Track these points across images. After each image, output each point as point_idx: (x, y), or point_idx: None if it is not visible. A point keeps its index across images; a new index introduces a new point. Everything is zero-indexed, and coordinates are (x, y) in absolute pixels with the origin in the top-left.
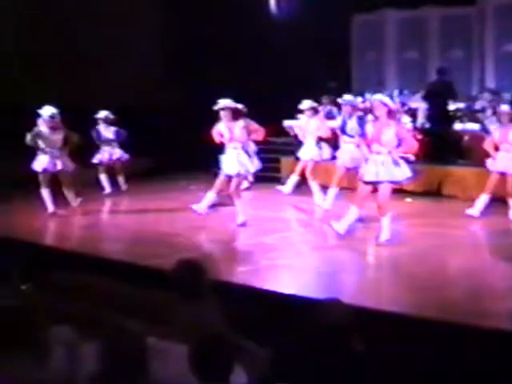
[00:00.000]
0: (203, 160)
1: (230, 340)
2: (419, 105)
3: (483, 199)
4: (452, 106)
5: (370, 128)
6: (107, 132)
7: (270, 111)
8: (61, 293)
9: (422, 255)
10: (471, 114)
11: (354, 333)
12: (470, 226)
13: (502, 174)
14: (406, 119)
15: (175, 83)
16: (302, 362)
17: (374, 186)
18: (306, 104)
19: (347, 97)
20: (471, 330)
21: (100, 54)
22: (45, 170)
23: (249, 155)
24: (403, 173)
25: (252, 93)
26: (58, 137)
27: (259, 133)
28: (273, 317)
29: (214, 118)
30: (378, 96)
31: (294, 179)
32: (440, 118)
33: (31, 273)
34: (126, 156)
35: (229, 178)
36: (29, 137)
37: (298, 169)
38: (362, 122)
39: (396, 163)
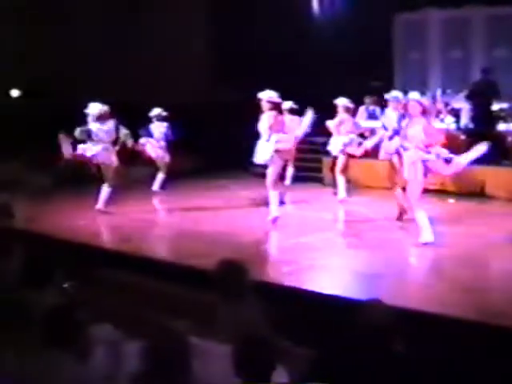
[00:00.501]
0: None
1: (271, 340)
2: (463, 105)
3: None
4: (495, 106)
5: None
6: (160, 129)
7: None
8: (105, 291)
9: (464, 256)
10: None
11: (394, 334)
12: None
13: None
14: (450, 119)
15: (226, 83)
16: (343, 363)
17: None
18: (341, 101)
19: (395, 93)
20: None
21: (152, 53)
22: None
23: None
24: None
25: (296, 91)
26: (109, 127)
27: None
28: (314, 317)
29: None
30: (415, 95)
31: (341, 180)
32: (484, 118)
33: (74, 271)
34: (167, 156)
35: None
36: (78, 131)
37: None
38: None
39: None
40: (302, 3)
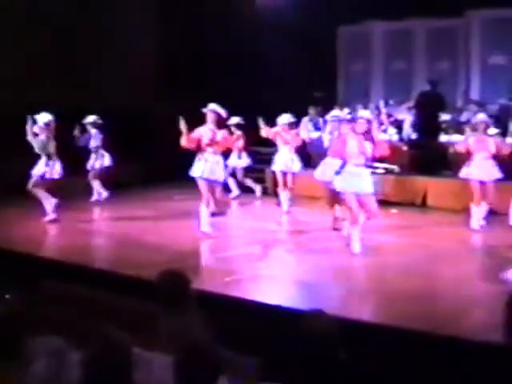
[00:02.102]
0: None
1: (214, 351)
2: (405, 116)
3: (476, 211)
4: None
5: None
6: (96, 137)
7: (255, 120)
8: (47, 302)
9: (408, 266)
10: (457, 126)
11: (337, 344)
12: (455, 237)
13: (482, 183)
14: (392, 131)
15: (169, 91)
16: (287, 373)
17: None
18: (282, 119)
19: (335, 112)
20: (455, 342)
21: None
22: (42, 176)
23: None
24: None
25: (239, 101)
26: (53, 143)
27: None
28: (257, 328)
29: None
30: (364, 113)
31: (283, 194)
32: (429, 129)
33: (17, 282)
34: (107, 163)
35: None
36: (30, 136)
37: (280, 181)
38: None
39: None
40: (247, 13)
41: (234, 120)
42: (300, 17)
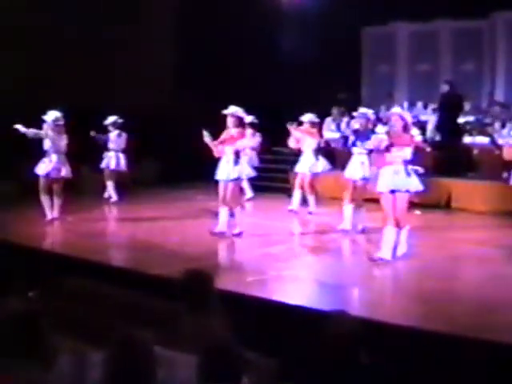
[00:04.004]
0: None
1: (236, 351)
2: (429, 117)
3: None
4: (461, 119)
5: (384, 139)
6: (116, 140)
7: (280, 121)
8: (70, 300)
9: (430, 268)
10: (481, 128)
11: (360, 345)
12: (479, 239)
13: None
14: (415, 132)
15: (185, 91)
16: (309, 373)
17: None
18: (306, 117)
19: (363, 109)
20: (479, 344)
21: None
22: (47, 175)
23: (236, 163)
24: (416, 184)
25: (262, 102)
26: (63, 142)
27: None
28: (280, 328)
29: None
30: (397, 109)
31: (297, 194)
32: (451, 130)
33: (38, 280)
34: (124, 164)
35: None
36: (31, 132)
37: (297, 182)
38: (371, 134)
39: (408, 174)
40: (271, 14)
41: (248, 119)
42: (324, 18)
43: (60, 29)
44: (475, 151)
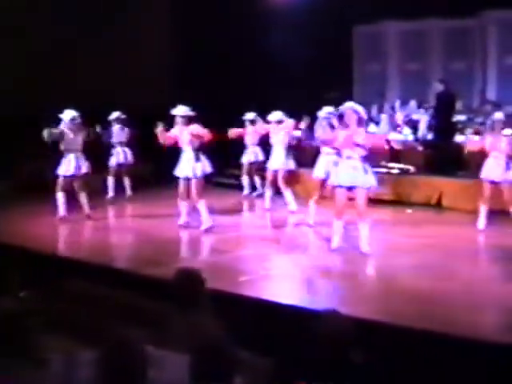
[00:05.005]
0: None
1: (228, 350)
2: (421, 116)
3: (482, 210)
4: (453, 118)
5: (340, 134)
6: (119, 133)
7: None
8: (61, 300)
9: (420, 266)
10: (473, 126)
11: (352, 344)
12: (469, 237)
13: (494, 183)
14: (407, 130)
15: (182, 91)
16: (301, 373)
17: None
18: (274, 116)
19: (327, 109)
20: (469, 343)
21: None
22: (71, 175)
23: (197, 159)
24: (372, 181)
25: (253, 100)
26: (79, 139)
27: (206, 136)
28: (273, 327)
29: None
30: (350, 104)
31: (268, 192)
32: (445, 130)
33: (31, 280)
34: (130, 159)
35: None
36: (46, 132)
37: (269, 179)
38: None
39: (365, 171)
40: (262, 13)
41: (249, 116)
42: (315, 17)
43: (60, 29)
44: (466, 150)
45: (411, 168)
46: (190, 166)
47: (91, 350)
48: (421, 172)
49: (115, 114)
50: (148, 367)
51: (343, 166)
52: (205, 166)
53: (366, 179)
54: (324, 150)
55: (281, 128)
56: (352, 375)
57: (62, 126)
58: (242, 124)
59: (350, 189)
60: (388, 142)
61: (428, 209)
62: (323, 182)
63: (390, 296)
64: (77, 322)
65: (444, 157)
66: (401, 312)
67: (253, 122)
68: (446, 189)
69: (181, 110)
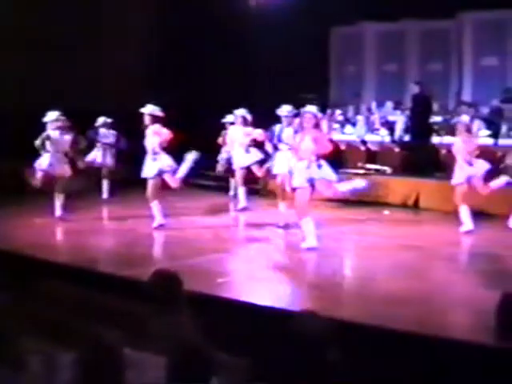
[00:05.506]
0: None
1: (206, 352)
2: (398, 118)
3: (464, 211)
4: (430, 120)
5: (294, 136)
6: (108, 137)
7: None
8: (39, 302)
9: (398, 267)
10: (448, 128)
11: (329, 345)
12: (446, 237)
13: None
14: (384, 132)
15: (156, 90)
16: (278, 374)
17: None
18: (238, 112)
19: (286, 108)
20: (441, 343)
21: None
22: (45, 170)
23: (154, 159)
24: (329, 173)
25: (230, 101)
26: (67, 138)
27: (165, 136)
28: (248, 329)
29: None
30: (311, 108)
31: (242, 191)
32: (422, 131)
33: (7, 282)
34: (112, 163)
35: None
36: (38, 141)
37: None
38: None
39: (319, 166)
40: (238, 16)
41: (230, 118)
42: (292, 18)
43: (59, 28)
44: (443, 151)
45: (388, 169)
46: (152, 166)
47: (69, 352)
48: (397, 173)
49: (101, 120)
50: (125, 369)
51: (299, 167)
52: (163, 165)
53: (320, 172)
54: (281, 146)
55: (243, 130)
56: (329, 375)
57: (48, 127)
58: (222, 126)
59: (311, 186)
60: (364, 143)
61: (405, 210)
62: (283, 180)
63: (365, 296)
64: (54, 324)
65: (420, 158)
66: (376, 312)
67: (233, 124)
68: (422, 190)
69: (148, 109)
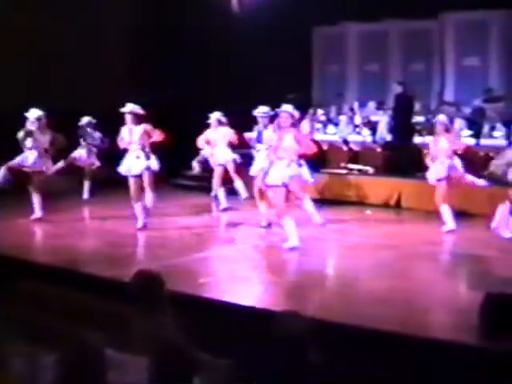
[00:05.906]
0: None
1: (188, 352)
2: (380, 118)
3: (446, 210)
4: (412, 120)
5: (273, 136)
6: (92, 137)
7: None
8: (20, 303)
9: (379, 267)
10: (431, 128)
11: (310, 345)
12: (428, 237)
13: (448, 182)
14: (366, 132)
15: (138, 90)
16: (261, 374)
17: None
18: (214, 115)
19: (263, 108)
20: (420, 342)
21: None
22: (23, 165)
23: (147, 157)
24: (306, 174)
25: (214, 101)
26: (45, 138)
27: (159, 136)
28: (231, 329)
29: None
30: (287, 107)
31: (221, 192)
32: (403, 131)
33: None
34: (97, 163)
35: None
36: (21, 133)
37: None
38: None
39: (299, 165)
40: (221, 15)
41: (215, 116)
42: (275, 18)
43: (59, 28)
44: (425, 151)
45: (370, 169)
46: (140, 164)
47: (51, 353)
48: (380, 173)
49: (85, 119)
50: (107, 370)
51: (278, 166)
52: (152, 164)
53: (300, 170)
54: (259, 147)
55: (220, 131)
56: (310, 376)
57: (28, 124)
58: (207, 126)
59: (286, 186)
60: (347, 143)
61: (387, 209)
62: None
63: (347, 296)
64: (35, 325)
65: (403, 158)
66: (358, 312)
67: (220, 122)
68: (404, 189)
69: (129, 108)
